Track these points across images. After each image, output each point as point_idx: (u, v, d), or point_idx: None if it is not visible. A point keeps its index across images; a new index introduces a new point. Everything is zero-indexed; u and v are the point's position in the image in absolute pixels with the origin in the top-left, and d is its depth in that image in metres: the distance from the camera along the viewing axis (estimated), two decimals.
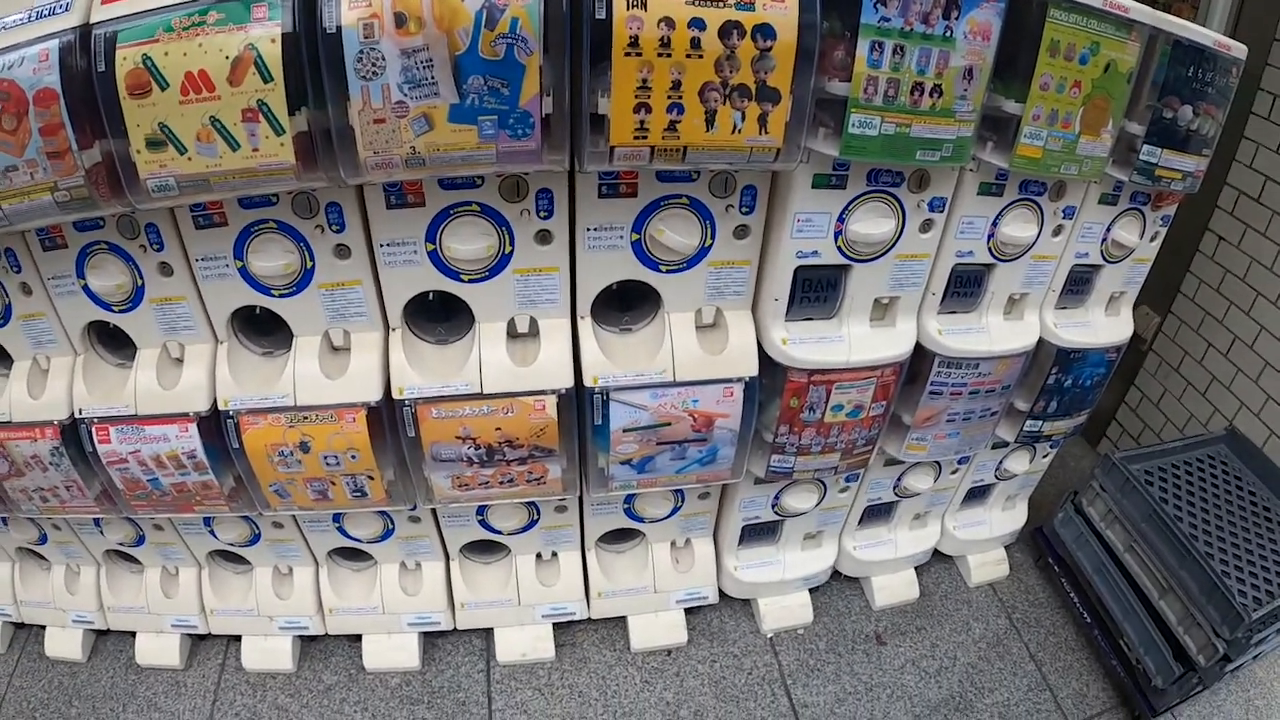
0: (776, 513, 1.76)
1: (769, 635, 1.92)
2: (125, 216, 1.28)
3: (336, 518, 1.63)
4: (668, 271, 1.39)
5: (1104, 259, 1.68)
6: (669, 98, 1.09)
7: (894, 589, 2.04)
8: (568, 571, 1.75)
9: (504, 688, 1.73)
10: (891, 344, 1.50)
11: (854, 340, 1.47)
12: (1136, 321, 2.50)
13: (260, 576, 1.76)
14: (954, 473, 1.92)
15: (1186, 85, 1.40)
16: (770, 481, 1.66)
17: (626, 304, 1.47)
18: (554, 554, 1.76)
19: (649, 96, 1.09)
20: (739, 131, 1.13)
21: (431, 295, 1.39)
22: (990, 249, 1.52)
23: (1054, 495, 2.22)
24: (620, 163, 1.17)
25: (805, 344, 1.44)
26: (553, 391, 1.38)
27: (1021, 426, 1.80)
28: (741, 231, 1.37)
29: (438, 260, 1.32)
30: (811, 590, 2.00)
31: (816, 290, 1.45)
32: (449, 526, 1.66)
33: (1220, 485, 2.14)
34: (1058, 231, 1.56)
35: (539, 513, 1.66)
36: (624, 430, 1.43)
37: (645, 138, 1.13)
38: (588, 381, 1.39)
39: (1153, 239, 1.74)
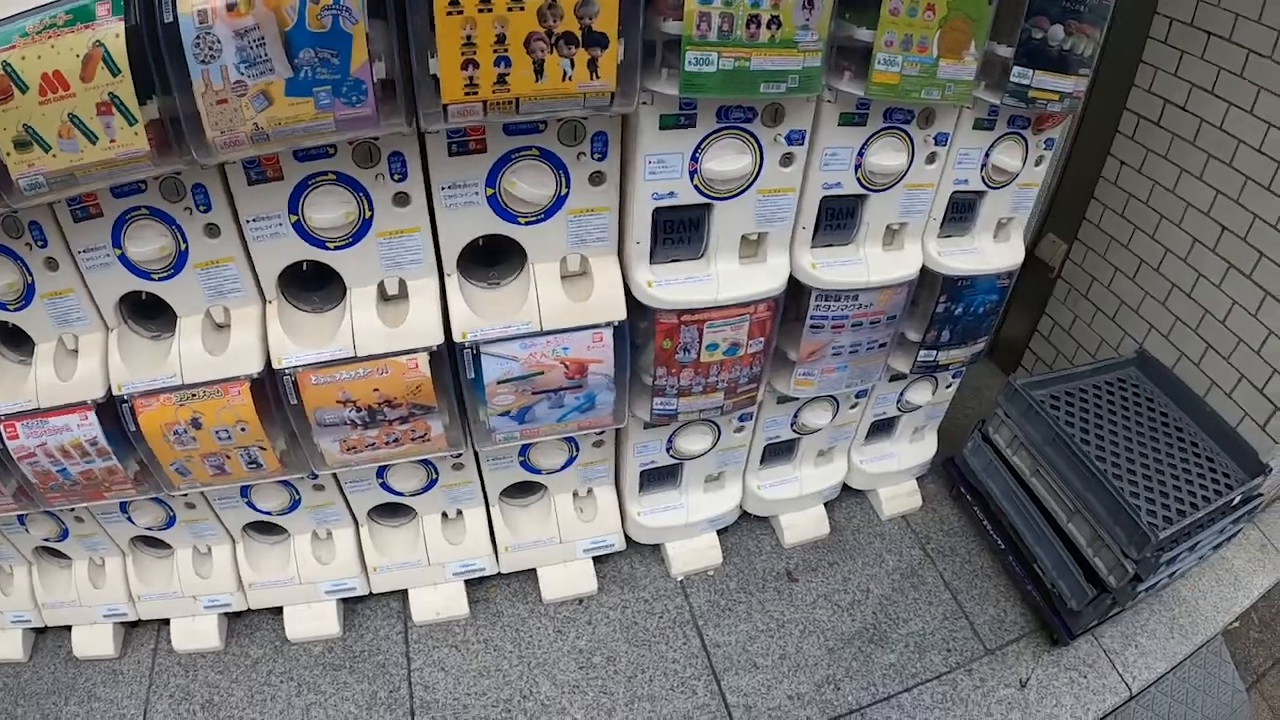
0: (673, 456, 1.91)
1: (679, 578, 2.07)
2: (9, 217, 1.41)
3: (245, 492, 1.78)
4: (527, 223, 1.52)
5: (986, 185, 1.78)
6: (495, 51, 1.20)
7: (803, 526, 2.18)
8: (473, 528, 1.90)
9: (421, 647, 1.89)
10: (762, 280, 1.62)
11: (723, 278, 1.60)
12: (1043, 250, 2.66)
13: (181, 558, 1.91)
14: (853, 407, 2.06)
15: (1055, 4, 1.48)
16: (659, 425, 1.81)
17: (495, 258, 1.61)
18: (459, 512, 1.91)
19: (475, 53, 1.20)
20: (569, 79, 1.24)
21: (305, 265, 1.53)
22: (859, 179, 1.62)
23: (966, 425, 2.36)
24: (455, 120, 1.29)
25: (672, 285, 1.57)
26: (424, 349, 1.52)
27: (916, 357, 1.93)
28: (597, 178, 1.49)
29: (302, 230, 1.46)
30: (721, 531, 2.15)
31: (679, 231, 1.57)
32: (353, 492, 1.81)
33: (1131, 407, 2.28)
34: (931, 159, 1.66)
35: (437, 472, 1.81)
36: (498, 382, 1.57)
37: (476, 93, 1.24)
38: (457, 337, 1.53)
39: (1038, 163, 1.83)
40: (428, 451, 1.65)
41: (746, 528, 2.22)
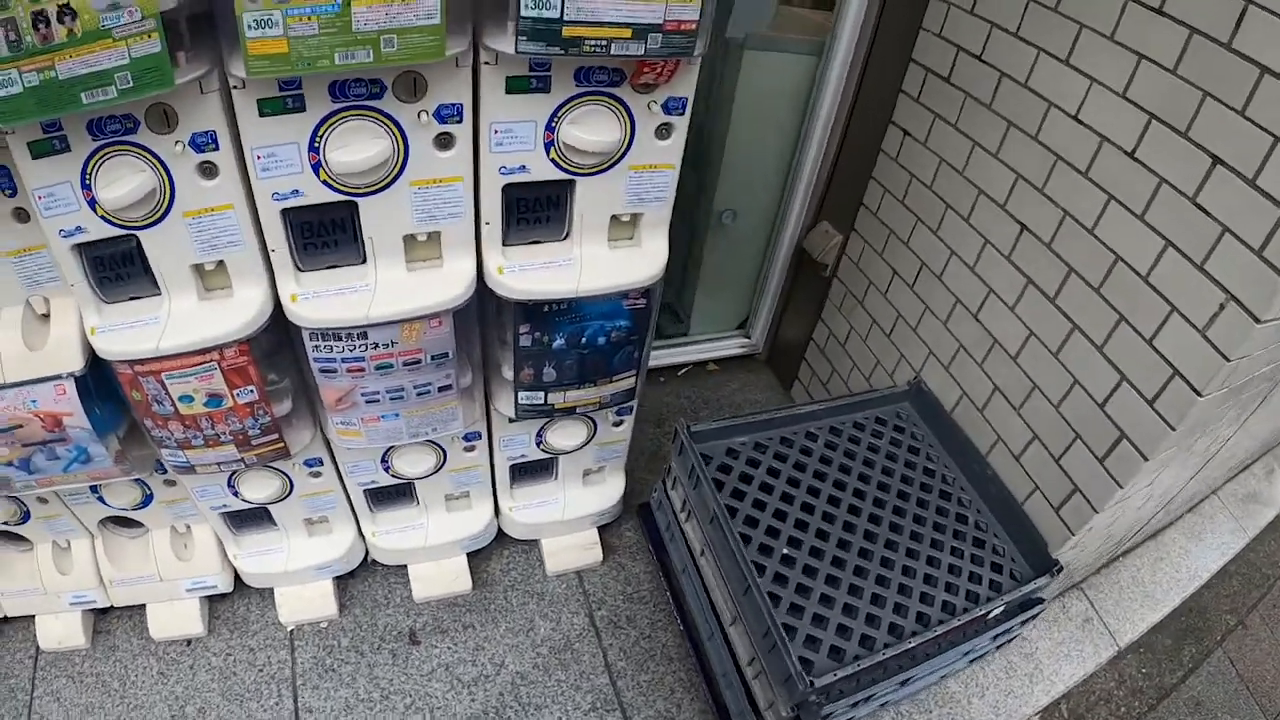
0: (243, 500, 1.75)
1: (290, 628, 1.94)
2: None
3: None
4: None
5: (563, 171, 1.39)
6: None
7: (436, 579, 1.95)
8: (80, 559, 1.89)
9: (45, 675, 1.93)
10: (220, 320, 1.40)
11: (173, 322, 1.41)
12: (814, 242, 2.11)
13: None
14: (470, 450, 1.77)
15: None
16: (180, 474, 1.65)
17: None
18: (69, 542, 1.90)
19: None
20: None
21: None
22: (324, 181, 1.30)
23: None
24: None
25: (116, 331, 1.41)
26: None
27: (516, 399, 1.62)
28: (20, 215, 1.36)
29: None
30: (347, 577, 1.98)
31: (114, 267, 1.38)
32: None
33: (885, 458, 1.77)
34: (446, 143, 1.32)
35: (26, 506, 1.80)
36: None
37: None
38: None
39: (663, 135, 1.40)
40: None
41: (380, 575, 2.02)
